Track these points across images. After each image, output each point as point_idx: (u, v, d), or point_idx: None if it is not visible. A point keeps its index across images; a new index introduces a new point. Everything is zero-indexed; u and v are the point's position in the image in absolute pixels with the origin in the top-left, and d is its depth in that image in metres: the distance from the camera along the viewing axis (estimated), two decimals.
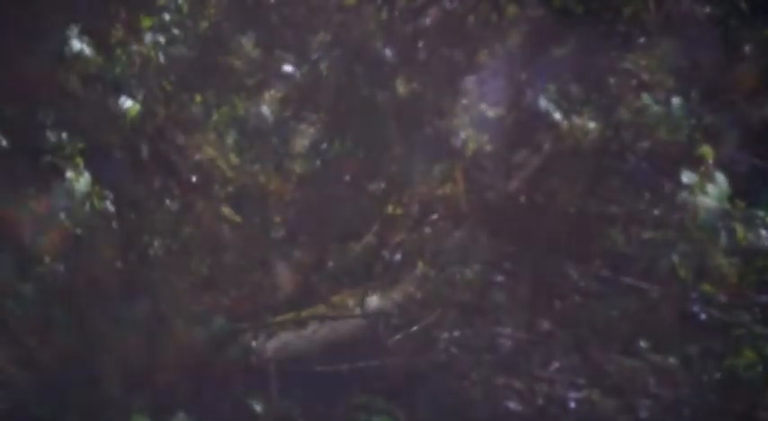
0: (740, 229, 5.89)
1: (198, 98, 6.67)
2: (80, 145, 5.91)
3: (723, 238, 5.86)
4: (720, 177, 5.89)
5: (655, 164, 6.38)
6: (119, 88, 6.05)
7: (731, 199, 5.89)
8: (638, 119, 6.32)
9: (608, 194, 6.57)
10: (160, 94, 6.43)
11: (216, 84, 6.85)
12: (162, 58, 6.21)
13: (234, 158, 6.84)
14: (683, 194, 5.89)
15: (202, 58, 6.79)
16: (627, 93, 6.40)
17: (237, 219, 6.79)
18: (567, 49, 6.47)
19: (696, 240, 5.92)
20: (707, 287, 6.09)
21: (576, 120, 6.33)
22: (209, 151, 6.75)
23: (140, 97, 6.24)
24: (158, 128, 6.46)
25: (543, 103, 6.34)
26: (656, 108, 6.25)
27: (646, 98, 6.28)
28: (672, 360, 6.47)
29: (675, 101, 6.27)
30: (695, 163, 5.92)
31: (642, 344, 6.55)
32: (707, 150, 5.92)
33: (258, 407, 6.13)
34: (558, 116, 6.33)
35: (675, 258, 6.00)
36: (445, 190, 6.69)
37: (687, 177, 5.88)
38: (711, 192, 5.83)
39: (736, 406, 6.24)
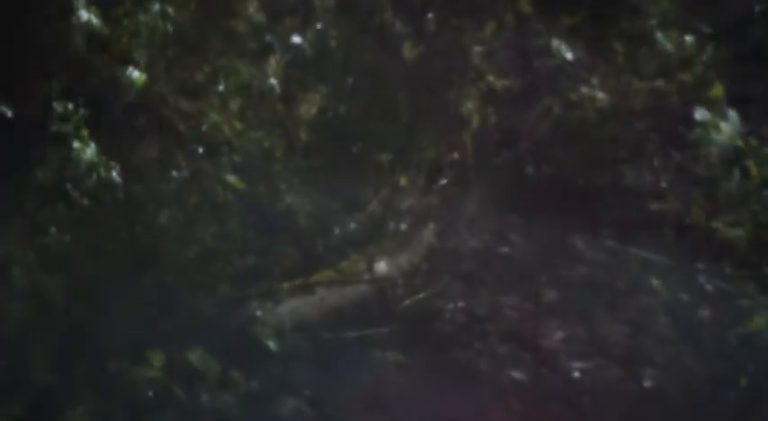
0: (753, 167, 5.89)
1: (204, 65, 6.61)
2: (86, 114, 5.87)
3: (736, 176, 5.88)
4: (733, 115, 5.88)
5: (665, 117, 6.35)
6: (125, 58, 6.00)
7: (744, 136, 5.89)
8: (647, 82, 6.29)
9: (615, 164, 6.57)
10: (165, 61, 6.38)
11: (220, 49, 6.79)
12: (169, 27, 6.15)
13: (238, 125, 6.80)
14: (697, 131, 5.88)
15: (206, 22, 6.73)
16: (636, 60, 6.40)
17: (241, 186, 6.75)
18: (576, 18, 6.43)
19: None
20: (717, 225, 6.09)
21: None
22: (214, 118, 6.71)
23: (145, 65, 6.20)
24: (163, 95, 6.42)
25: (555, 43, 6.30)
26: (668, 46, 6.21)
27: (659, 37, 6.24)
28: (677, 329, 6.49)
29: (688, 39, 6.24)
30: (708, 101, 5.91)
31: (647, 313, 6.58)
32: (718, 88, 5.91)
33: (272, 344, 6.17)
34: (569, 57, 6.29)
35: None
36: (452, 158, 6.68)
37: (700, 114, 5.87)
38: (724, 130, 5.82)
39: (741, 376, 6.26)
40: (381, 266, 6.80)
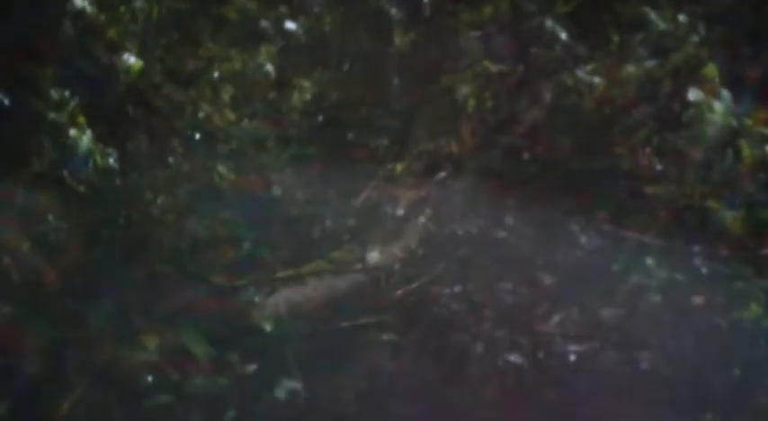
0: (746, 147, 5.91)
1: (197, 52, 6.60)
2: (83, 102, 5.85)
3: (729, 157, 5.90)
4: (725, 94, 5.90)
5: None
6: (121, 45, 5.99)
7: (737, 116, 5.91)
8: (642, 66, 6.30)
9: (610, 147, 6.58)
10: (159, 49, 6.36)
11: (213, 36, 6.77)
12: (163, 13, 6.14)
13: (231, 114, 6.78)
14: (690, 112, 5.91)
15: (200, 9, 6.71)
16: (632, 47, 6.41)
17: (235, 175, 6.73)
18: (571, 4, 6.45)
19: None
20: (713, 204, 6.11)
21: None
22: (206, 107, 6.69)
23: (139, 52, 6.18)
24: (156, 84, 6.40)
25: (549, 23, 6.31)
26: (662, 25, 6.23)
27: (652, 16, 6.25)
28: (672, 312, 6.52)
29: (681, 18, 6.26)
30: (701, 82, 5.93)
31: (642, 296, 6.60)
32: (712, 69, 5.93)
33: (267, 326, 6.16)
34: (563, 36, 6.30)
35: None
36: (448, 144, 6.68)
37: (694, 95, 5.88)
38: (717, 110, 5.84)
39: (737, 358, 6.30)
40: (377, 254, 6.78)
